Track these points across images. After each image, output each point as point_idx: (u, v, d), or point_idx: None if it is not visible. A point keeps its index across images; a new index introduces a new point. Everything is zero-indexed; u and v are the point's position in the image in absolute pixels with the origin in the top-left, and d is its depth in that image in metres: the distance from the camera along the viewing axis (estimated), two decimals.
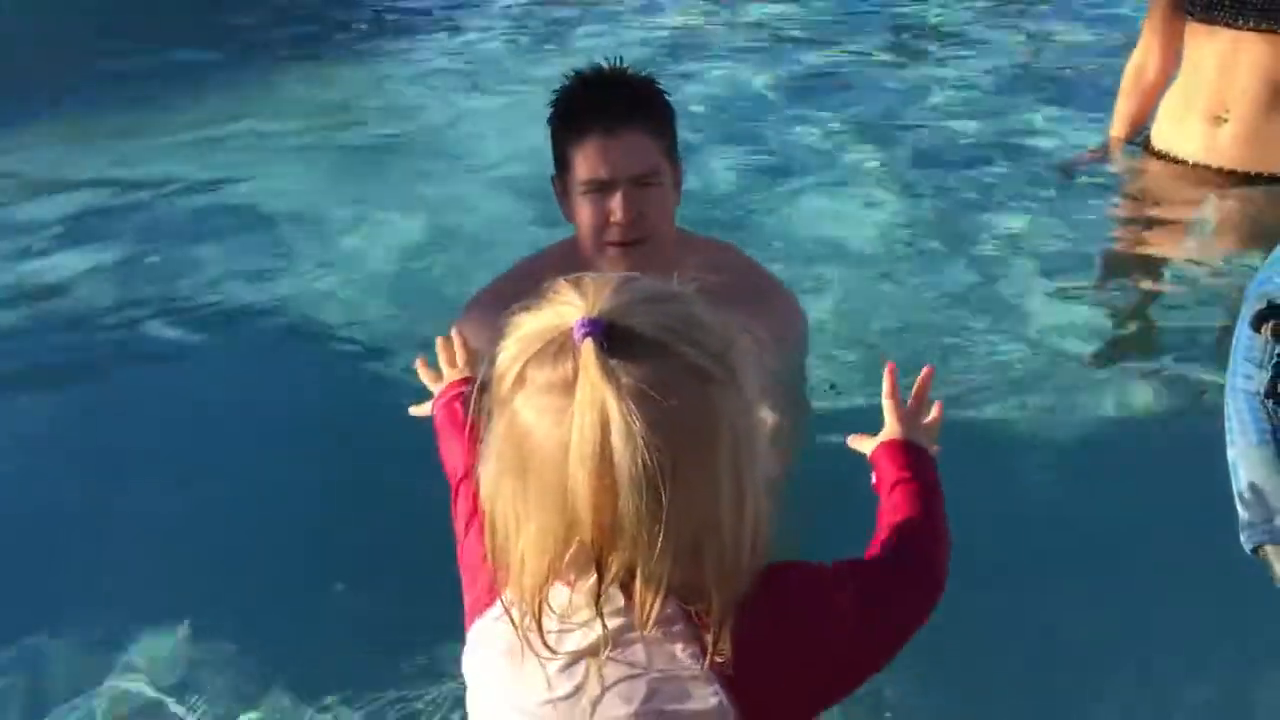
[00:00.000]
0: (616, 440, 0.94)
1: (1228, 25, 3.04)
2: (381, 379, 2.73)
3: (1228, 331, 2.90)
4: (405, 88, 5.11)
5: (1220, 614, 1.89)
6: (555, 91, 2.06)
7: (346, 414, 2.62)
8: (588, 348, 0.96)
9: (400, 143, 4.36)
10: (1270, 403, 1.48)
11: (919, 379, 1.46)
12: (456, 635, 1.18)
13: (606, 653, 1.04)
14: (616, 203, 1.98)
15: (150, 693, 1.95)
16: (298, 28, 6.13)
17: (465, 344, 1.66)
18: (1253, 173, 3.14)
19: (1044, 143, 4.06)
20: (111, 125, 4.67)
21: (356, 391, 2.76)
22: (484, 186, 3.85)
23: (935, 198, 3.73)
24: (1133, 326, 3.02)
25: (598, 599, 1.01)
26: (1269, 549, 1.50)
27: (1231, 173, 3.17)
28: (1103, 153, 3.57)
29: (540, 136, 2.13)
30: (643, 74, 2.07)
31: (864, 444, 1.44)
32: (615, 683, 1.05)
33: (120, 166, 4.26)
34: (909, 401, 1.45)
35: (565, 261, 1.91)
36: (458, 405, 1.51)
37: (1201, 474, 2.16)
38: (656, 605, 1.00)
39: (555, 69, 2.49)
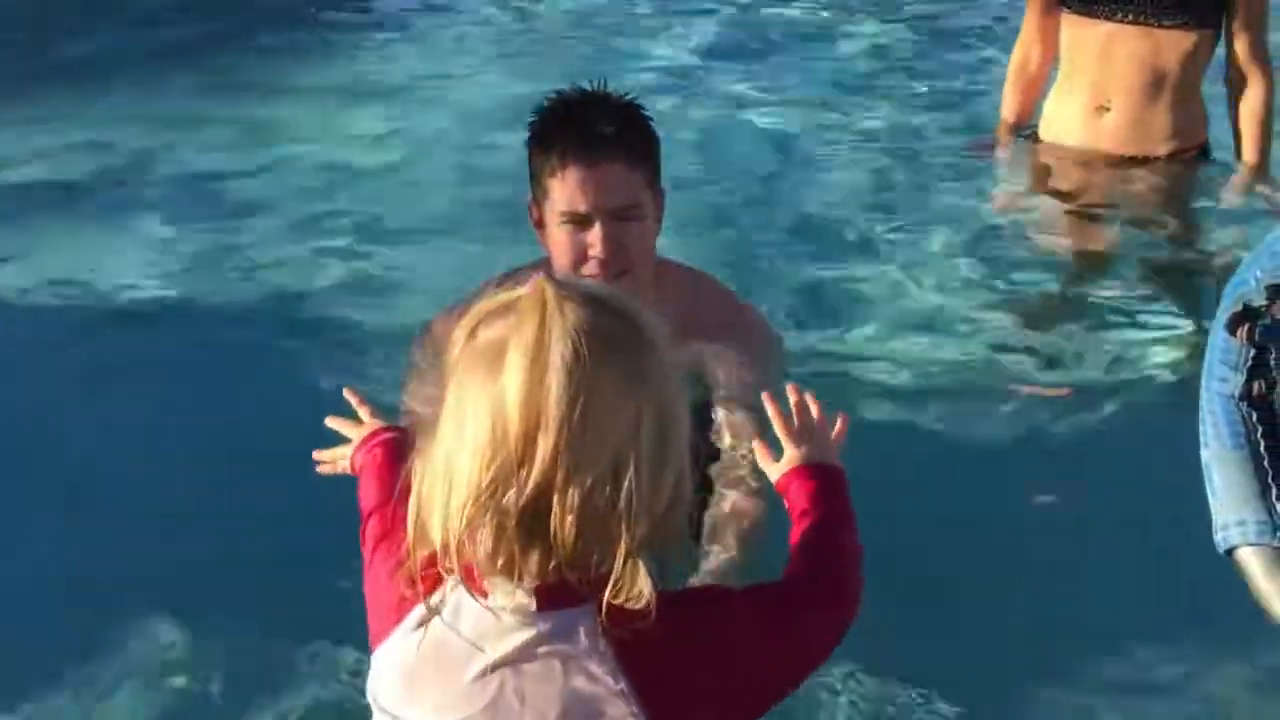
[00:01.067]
0: (554, 333, 0.98)
1: (1106, 19, 3.17)
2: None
3: (1124, 314, 3.10)
4: (383, 90, 4.93)
5: (1192, 615, 1.95)
6: (535, 112, 2.01)
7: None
8: (539, 281, 1.03)
9: (373, 152, 4.23)
10: (1245, 406, 1.53)
11: (794, 398, 1.47)
12: None
13: (521, 661, 1.06)
14: (595, 236, 1.93)
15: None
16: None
17: (363, 400, 1.63)
18: (1137, 155, 3.28)
19: (933, 137, 4.16)
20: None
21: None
22: (458, 199, 3.79)
23: (830, 192, 3.80)
24: (1031, 311, 3.10)
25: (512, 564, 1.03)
26: (1242, 551, 1.54)
27: (1118, 156, 3.30)
28: (992, 143, 3.67)
29: (517, 149, 2.08)
30: (626, 98, 2.02)
31: (771, 471, 1.45)
32: (530, 698, 1.06)
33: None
34: (795, 421, 1.45)
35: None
36: (378, 450, 1.48)
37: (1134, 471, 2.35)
38: (572, 533, 1.00)
39: (536, 77, 2.43)
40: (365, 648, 1.19)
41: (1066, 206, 3.42)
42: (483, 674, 1.06)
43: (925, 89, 4.75)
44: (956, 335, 2.93)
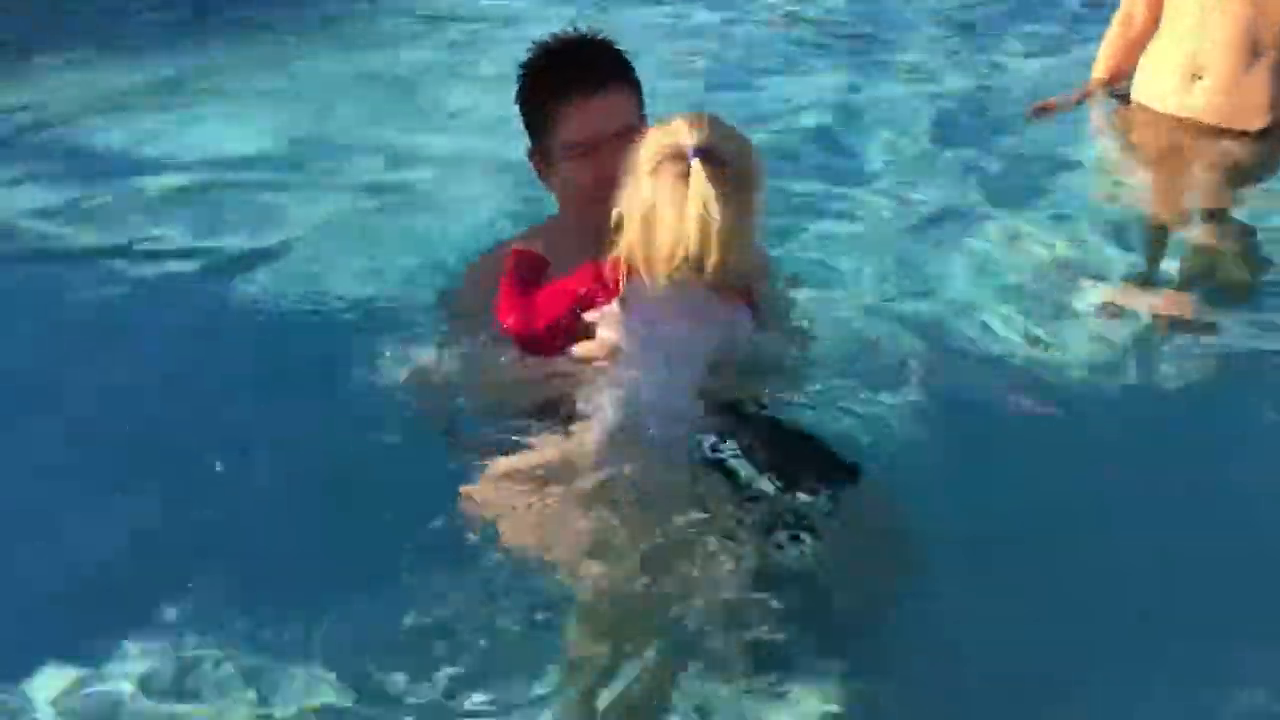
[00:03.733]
0: (712, 188, 1.74)
1: None
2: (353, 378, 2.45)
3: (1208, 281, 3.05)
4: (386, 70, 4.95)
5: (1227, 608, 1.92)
6: (524, 65, 2.11)
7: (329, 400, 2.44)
8: (696, 164, 1.75)
9: (380, 131, 4.19)
10: None
11: None
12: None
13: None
14: (605, 157, 1.95)
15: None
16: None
17: None
18: (1230, 127, 3.23)
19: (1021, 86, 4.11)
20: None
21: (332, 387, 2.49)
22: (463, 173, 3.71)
23: (909, 146, 3.79)
24: (1118, 280, 3.03)
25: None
26: None
27: (1208, 127, 3.25)
28: (1082, 97, 3.62)
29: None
30: (602, 35, 2.13)
31: None
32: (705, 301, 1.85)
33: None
34: None
35: (550, 237, 2.06)
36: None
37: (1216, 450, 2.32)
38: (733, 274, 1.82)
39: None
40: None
41: (1153, 176, 3.39)
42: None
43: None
44: (1026, 314, 2.83)
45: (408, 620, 1.84)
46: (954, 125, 3.92)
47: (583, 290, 1.91)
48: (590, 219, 1.92)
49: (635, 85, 2.12)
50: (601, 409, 1.86)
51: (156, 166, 3.81)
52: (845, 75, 4.54)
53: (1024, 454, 2.28)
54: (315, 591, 1.97)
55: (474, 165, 3.63)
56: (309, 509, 2.17)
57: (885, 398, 2.29)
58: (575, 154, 2.05)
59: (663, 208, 1.77)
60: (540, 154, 2.13)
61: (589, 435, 1.86)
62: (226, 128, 4.12)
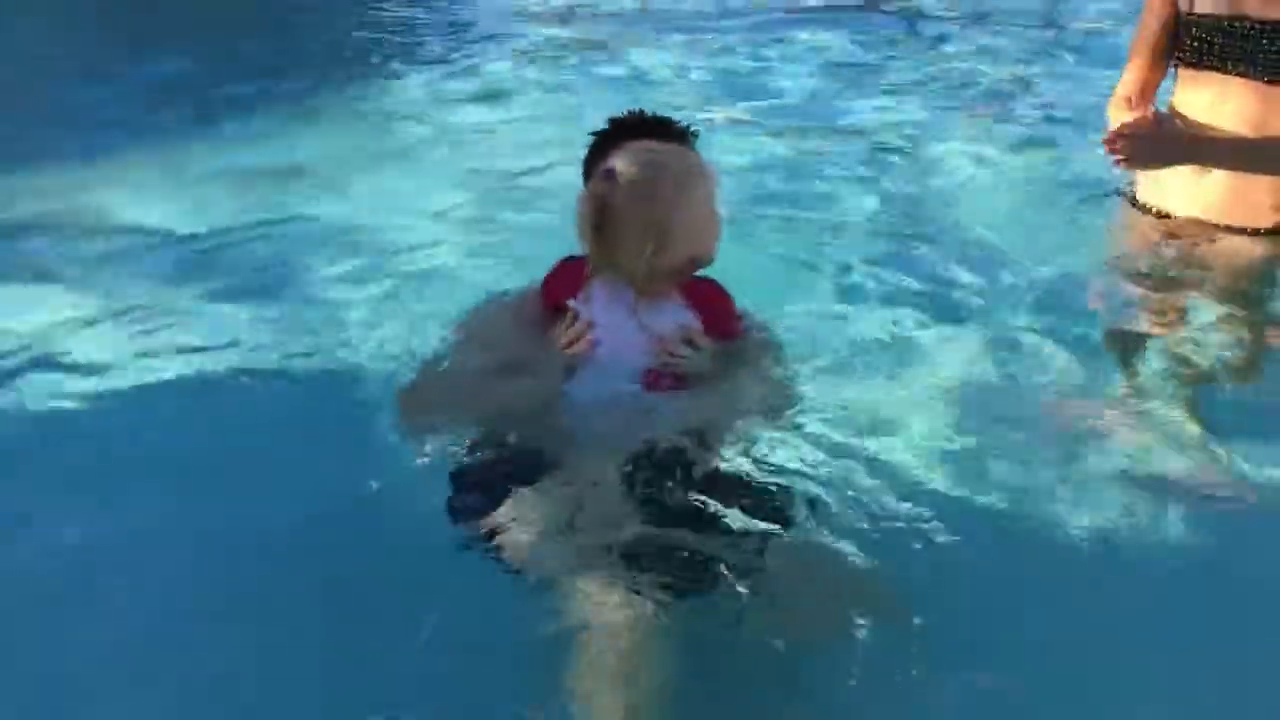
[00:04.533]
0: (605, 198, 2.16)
1: (1215, 71, 2.98)
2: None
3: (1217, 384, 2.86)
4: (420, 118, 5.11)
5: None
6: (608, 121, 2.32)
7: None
8: (595, 180, 2.20)
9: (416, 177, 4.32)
10: None
11: None
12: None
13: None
14: None
15: None
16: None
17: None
18: (1236, 226, 3.05)
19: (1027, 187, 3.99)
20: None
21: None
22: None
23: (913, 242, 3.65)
24: (1128, 382, 2.86)
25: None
26: None
27: (1219, 226, 3.08)
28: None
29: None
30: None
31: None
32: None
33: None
34: None
35: (576, 273, 2.29)
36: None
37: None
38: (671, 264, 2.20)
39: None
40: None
41: (1157, 281, 3.20)
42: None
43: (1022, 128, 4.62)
44: (1008, 419, 2.67)
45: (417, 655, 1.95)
46: (941, 221, 3.77)
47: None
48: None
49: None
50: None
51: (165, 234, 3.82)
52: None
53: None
54: (320, 630, 2.07)
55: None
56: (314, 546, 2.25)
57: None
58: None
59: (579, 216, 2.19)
60: None
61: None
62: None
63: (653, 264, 2.16)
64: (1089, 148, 3.62)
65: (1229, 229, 3.08)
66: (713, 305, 2.30)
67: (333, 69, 6.36)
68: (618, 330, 2.25)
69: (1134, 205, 3.32)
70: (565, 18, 8.07)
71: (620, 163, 2.16)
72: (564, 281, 2.31)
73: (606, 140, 2.29)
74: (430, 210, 3.95)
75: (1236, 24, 2.91)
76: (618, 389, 2.24)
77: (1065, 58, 6.63)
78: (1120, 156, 3.00)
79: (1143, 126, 2.98)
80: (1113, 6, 7.78)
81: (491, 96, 5.64)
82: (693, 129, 2.34)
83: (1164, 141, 3.02)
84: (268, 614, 2.11)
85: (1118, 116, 3.24)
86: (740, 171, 4.25)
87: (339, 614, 2.11)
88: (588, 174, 2.30)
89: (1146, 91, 3.19)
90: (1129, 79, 3.23)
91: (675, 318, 2.26)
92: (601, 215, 2.14)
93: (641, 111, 2.33)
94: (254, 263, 3.58)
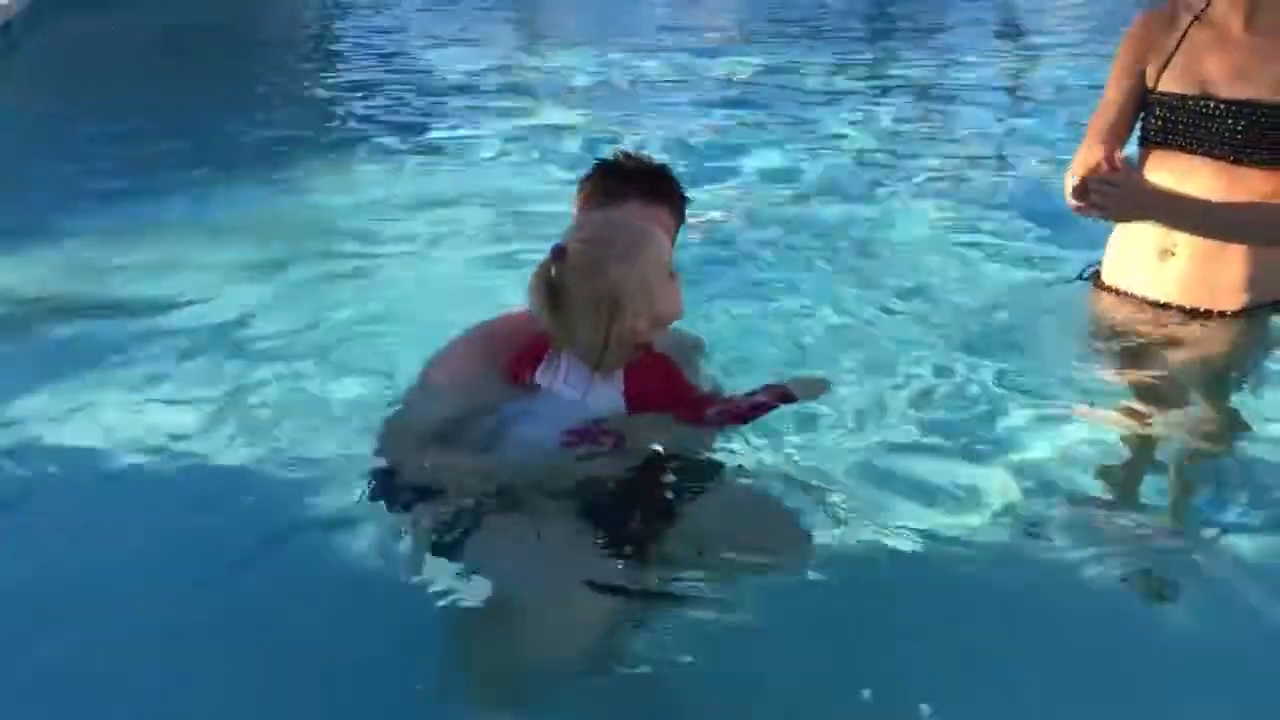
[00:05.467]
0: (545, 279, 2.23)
1: (1181, 150, 2.94)
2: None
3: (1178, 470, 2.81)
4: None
5: None
6: (599, 161, 2.56)
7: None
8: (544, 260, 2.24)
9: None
10: None
11: None
12: None
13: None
14: None
15: None
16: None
17: None
18: (1204, 308, 3.00)
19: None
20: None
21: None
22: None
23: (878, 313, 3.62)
24: (1090, 464, 2.80)
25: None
26: None
27: (1184, 308, 3.03)
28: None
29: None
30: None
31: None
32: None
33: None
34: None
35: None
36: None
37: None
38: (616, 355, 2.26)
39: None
40: None
41: (1122, 367, 3.13)
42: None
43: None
44: (974, 504, 2.64)
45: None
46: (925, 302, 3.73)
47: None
48: None
49: (681, 215, 2.57)
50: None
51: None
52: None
53: None
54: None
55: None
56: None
57: None
58: None
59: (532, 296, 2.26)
60: None
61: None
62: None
63: (613, 332, 2.22)
64: (1055, 227, 3.55)
65: (1193, 312, 3.02)
66: (650, 390, 2.32)
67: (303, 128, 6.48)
68: (566, 402, 2.32)
69: (1098, 286, 3.25)
70: (530, 87, 8.15)
71: (569, 240, 2.23)
72: (525, 347, 2.36)
73: (607, 181, 2.51)
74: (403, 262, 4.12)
75: (1202, 103, 2.88)
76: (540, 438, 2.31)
77: (1028, 134, 6.71)
78: (1095, 205, 2.84)
79: (1117, 174, 2.82)
80: (1078, 81, 7.90)
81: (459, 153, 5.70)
82: (679, 189, 2.55)
83: (1140, 189, 2.88)
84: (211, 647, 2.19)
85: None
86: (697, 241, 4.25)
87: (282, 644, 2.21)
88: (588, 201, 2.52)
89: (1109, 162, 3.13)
90: (1090, 147, 3.18)
91: (608, 404, 2.31)
92: (554, 296, 2.20)
93: (642, 158, 2.53)
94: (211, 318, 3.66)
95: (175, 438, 2.91)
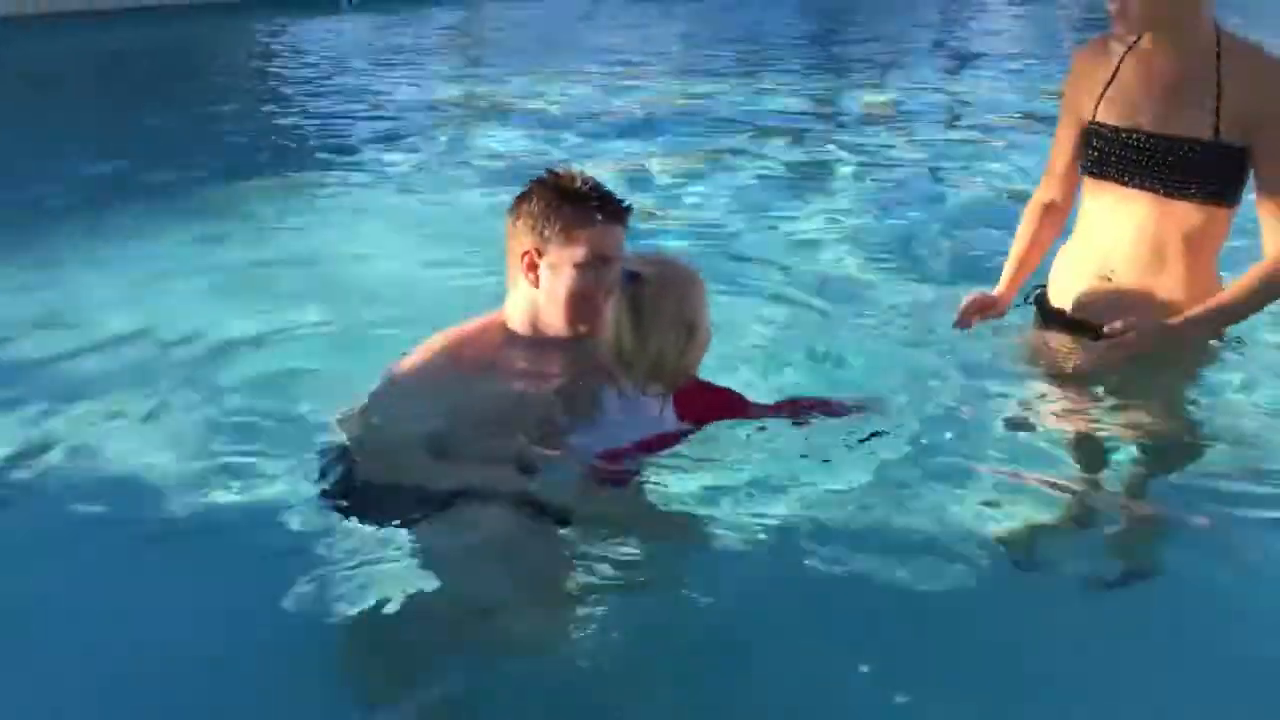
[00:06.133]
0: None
1: (1114, 181, 3.01)
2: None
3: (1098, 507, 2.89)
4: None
5: None
6: (557, 183, 2.60)
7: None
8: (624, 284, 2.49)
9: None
10: None
11: None
12: None
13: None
14: (610, 272, 2.56)
15: None
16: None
17: None
18: None
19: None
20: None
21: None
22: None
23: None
24: (1040, 481, 2.86)
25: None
26: None
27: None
28: (997, 300, 3.40)
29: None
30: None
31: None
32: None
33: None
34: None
35: (487, 335, 2.69)
36: None
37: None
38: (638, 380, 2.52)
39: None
40: None
41: (1063, 388, 3.20)
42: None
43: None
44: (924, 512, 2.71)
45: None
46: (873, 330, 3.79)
47: None
48: (579, 318, 2.61)
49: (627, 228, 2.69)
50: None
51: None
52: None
53: None
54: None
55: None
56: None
57: None
58: (591, 263, 2.56)
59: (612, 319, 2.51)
60: (546, 257, 2.60)
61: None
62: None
63: (688, 353, 2.51)
64: (997, 249, 3.63)
65: None
66: (698, 403, 2.61)
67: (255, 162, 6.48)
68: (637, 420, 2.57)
69: (1042, 309, 3.32)
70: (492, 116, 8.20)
71: (637, 268, 2.49)
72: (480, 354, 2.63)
73: (567, 203, 2.57)
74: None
75: (1134, 136, 2.95)
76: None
77: (967, 156, 6.82)
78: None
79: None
80: (1016, 105, 8.06)
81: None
82: (627, 204, 2.65)
83: (1156, 330, 2.95)
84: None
85: (1031, 220, 3.32)
86: None
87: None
88: (551, 232, 2.57)
89: (1066, 198, 3.24)
90: (1047, 184, 3.29)
91: (667, 421, 2.59)
92: (637, 316, 2.45)
93: (584, 176, 2.63)
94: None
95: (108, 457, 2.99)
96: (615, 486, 2.55)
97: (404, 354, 2.72)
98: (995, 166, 6.50)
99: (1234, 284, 2.97)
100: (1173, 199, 2.92)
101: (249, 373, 3.47)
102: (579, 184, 2.62)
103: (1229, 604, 2.47)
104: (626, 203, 2.66)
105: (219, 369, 3.53)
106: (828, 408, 2.72)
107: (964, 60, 11.86)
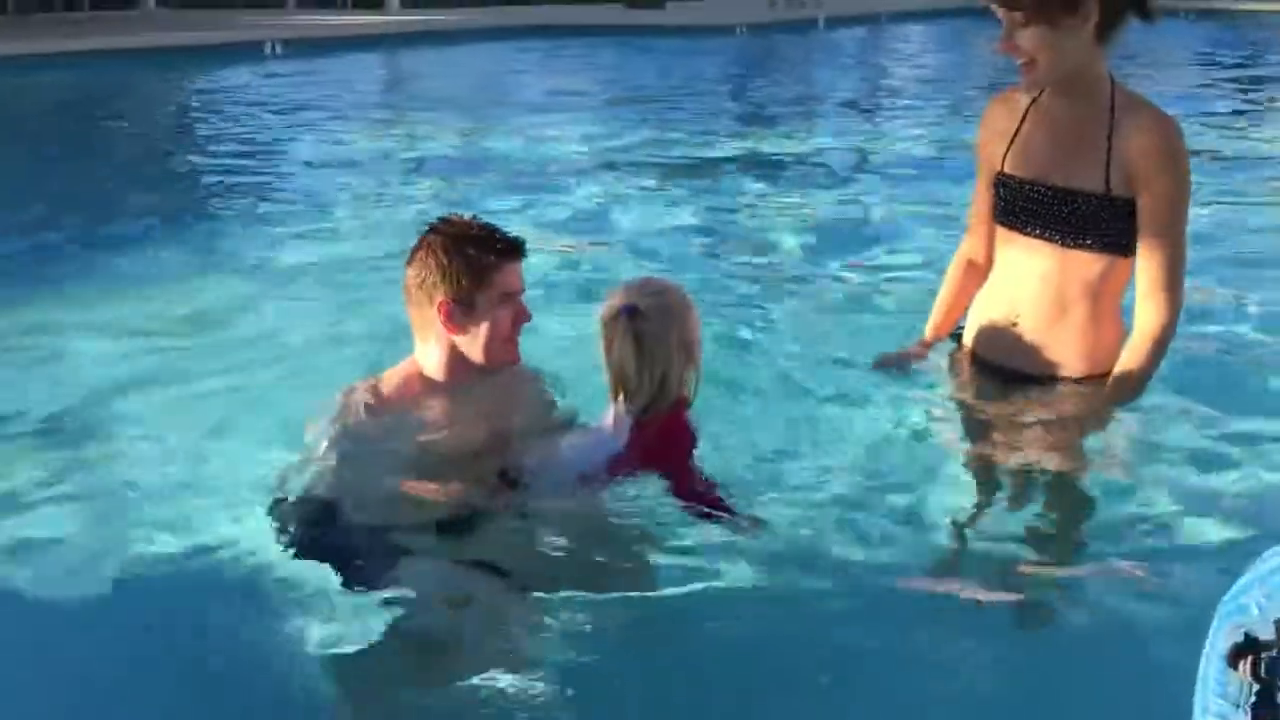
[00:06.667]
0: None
1: (1019, 231, 3.10)
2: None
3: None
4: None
5: None
6: (455, 235, 2.71)
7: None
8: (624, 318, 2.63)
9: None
10: None
11: None
12: None
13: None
14: (522, 301, 2.78)
15: None
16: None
17: None
18: (1041, 375, 3.15)
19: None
20: None
21: None
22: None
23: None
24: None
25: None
26: None
27: (1023, 374, 3.17)
28: (921, 348, 3.52)
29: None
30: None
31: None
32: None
33: None
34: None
35: (409, 380, 2.81)
36: None
37: None
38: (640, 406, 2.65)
39: None
40: None
41: (974, 429, 3.30)
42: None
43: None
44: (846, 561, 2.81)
45: None
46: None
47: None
48: (502, 353, 2.78)
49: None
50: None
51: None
52: None
53: None
54: None
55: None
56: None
57: None
58: (508, 300, 2.73)
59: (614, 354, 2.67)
60: (462, 304, 2.70)
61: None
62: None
63: (687, 375, 2.67)
64: (924, 286, 3.69)
65: (1038, 378, 3.16)
66: (664, 441, 2.70)
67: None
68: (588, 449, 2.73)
69: (958, 346, 3.39)
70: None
71: (633, 300, 2.64)
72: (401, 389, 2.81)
73: (475, 250, 2.68)
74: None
75: (1035, 189, 3.03)
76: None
77: (891, 195, 6.92)
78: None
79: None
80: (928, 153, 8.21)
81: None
82: (520, 238, 2.76)
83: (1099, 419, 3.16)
84: None
85: (955, 269, 3.41)
86: None
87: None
88: (468, 279, 2.67)
89: (989, 245, 3.28)
90: (971, 233, 3.38)
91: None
92: (639, 344, 2.60)
93: (481, 221, 2.75)
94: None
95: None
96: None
97: (325, 405, 2.78)
98: (915, 207, 6.60)
99: (1130, 352, 3.05)
100: (1071, 249, 3.01)
101: (170, 421, 3.49)
102: (474, 230, 2.73)
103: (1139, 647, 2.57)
104: (519, 237, 2.78)
105: (116, 424, 3.52)
106: (726, 514, 2.70)
107: (876, 108, 12.09)
